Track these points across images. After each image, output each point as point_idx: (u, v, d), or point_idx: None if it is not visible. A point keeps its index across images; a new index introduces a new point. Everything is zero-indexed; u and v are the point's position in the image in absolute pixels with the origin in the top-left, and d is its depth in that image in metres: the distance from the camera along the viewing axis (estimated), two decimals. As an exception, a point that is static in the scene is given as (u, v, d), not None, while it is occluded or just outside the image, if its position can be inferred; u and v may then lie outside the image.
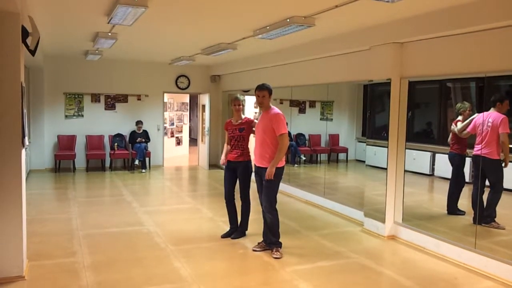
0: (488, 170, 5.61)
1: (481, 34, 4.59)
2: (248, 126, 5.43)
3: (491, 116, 5.62)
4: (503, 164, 5.54)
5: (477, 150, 5.70)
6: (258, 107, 5.26)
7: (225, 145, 5.60)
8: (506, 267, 4.36)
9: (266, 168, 4.88)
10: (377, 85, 6.20)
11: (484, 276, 4.50)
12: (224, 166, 5.68)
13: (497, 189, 5.63)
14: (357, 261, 4.91)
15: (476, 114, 5.93)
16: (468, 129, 5.92)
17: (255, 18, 5.63)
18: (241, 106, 5.46)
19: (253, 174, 5.32)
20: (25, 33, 4.19)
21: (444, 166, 6.57)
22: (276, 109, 5.04)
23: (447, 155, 6.41)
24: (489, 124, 5.60)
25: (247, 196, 5.53)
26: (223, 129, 5.77)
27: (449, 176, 6.37)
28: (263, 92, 5.02)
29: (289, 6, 4.94)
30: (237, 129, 5.43)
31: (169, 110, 14.20)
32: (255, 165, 5.16)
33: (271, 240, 5.06)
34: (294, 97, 10.17)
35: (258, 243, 5.22)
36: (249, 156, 5.48)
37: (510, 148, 5.54)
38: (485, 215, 5.63)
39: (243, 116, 5.51)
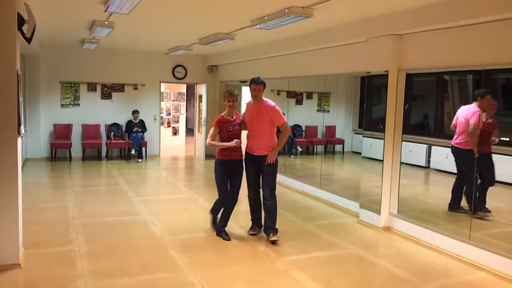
0: (461, 160, 5.79)
1: (479, 27, 4.59)
2: (242, 121, 5.30)
3: (469, 109, 5.78)
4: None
5: (453, 140, 5.92)
6: (252, 99, 5.27)
7: (217, 142, 5.15)
8: (500, 258, 4.40)
9: (265, 155, 5.09)
10: (375, 77, 6.20)
11: (478, 267, 4.55)
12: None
13: (469, 181, 5.80)
14: (352, 252, 4.94)
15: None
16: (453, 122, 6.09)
17: (253, 8, 5.60)
18: (236, 102, 5.16)
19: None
20: (21, 21, 4.16)
21: (440, 158, 6.60)
22: (270, 101, 5.20)
23: (444, 148, 6.39)
24: (464, 116, 5.77)
25: (238, 193, 5.34)
26: (215, 126, 5.11)
27: (445, 168, 6.40)
28: (259, 86, 5.12)
29: (287, -4, 4.92)
30: (237, 125, 5.17)
31: (166, 100, 14.15)
32: (251, 154, 5.20)
33: (269, 226, 5.13)
34: (291, 88, 10.15)
35: (251, 228, 5.35)
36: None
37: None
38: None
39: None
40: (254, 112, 5.18)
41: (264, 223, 5.23)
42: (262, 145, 5.15)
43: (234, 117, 5.19)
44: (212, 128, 5.13)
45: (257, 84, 5.12)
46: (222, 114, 5.19)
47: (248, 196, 5.38)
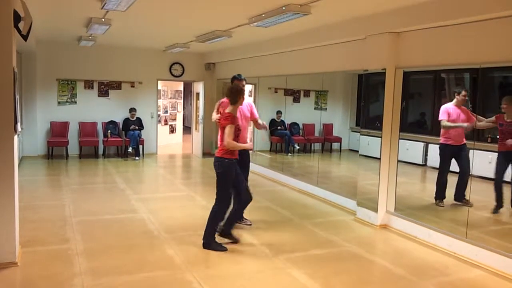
0: None
1: (476, 25, 4.59)
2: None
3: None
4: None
5: None
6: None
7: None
8: (496, 256, 4.42)
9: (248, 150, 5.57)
10: (372, 75, 6.19)
11: (474, 265, 4.56)
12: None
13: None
14: (349, 250, 4.95)
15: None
16: None
17: (251, 5, 5.59)
18: None
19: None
20: (17, 18, 4.14)
21: (436, 156, 6.60)
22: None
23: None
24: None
25: None
26: (232, 123, 4.71)
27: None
28: (243, 82, 5.46)
29: (285, -7, 4.91)
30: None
31: (163, 98, 14.13)
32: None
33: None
34: (289, 86, 10.15)
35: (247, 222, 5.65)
36: None
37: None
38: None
39: None
40: (242, 110, 5.40)
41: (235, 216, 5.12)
42: (247, 140, 5.60)
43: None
44: (230, 126, 4.63)
45: (242, 80, 5.41)
46: (230, 110, 4.76)
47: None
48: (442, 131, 6.21)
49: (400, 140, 5.82)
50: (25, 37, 4.38)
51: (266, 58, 9.09)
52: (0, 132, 4.03)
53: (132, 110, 11.27)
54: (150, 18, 6.85)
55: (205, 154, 11.82)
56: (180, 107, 15.31)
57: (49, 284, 3.85)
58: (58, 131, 10.77)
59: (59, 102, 10.91)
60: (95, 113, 11.19)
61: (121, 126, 11.32)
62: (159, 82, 12.22)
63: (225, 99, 5.08)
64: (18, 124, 4.37)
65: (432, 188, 6.43)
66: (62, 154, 10.75)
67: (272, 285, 4.03)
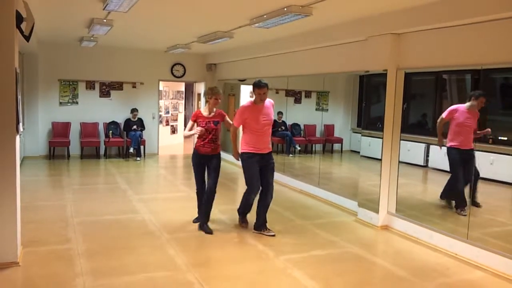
0: None
1: (478, 26, 4.59)
2: (222, 120, 5.46)
3: None
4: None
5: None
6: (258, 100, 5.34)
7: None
8: (497, 257, 4.41)
9: (270, 152, 5.38)
10: (373, 76, 6.19)
11: (475, 266, 4.56)
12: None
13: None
14: (350, 251, 4.95)
15: None
16: None
17: (252, 6, 5.59)
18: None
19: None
20: (19, 18, 4.15)
21: (438, 157, 6.60)
22: (268, 99, 5.43)
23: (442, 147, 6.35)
24: None
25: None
26: (191, 119, 5.54)
27: (443, 167, 6.38)
28: (264, 89, 5.25)
29: (286, -6, 4.92)
30: (212, 122, 5.36)
31: (165, 99, 14.13)
32: (260, 153, 5.27)
33: (265, 220, 5.39)
34: (290, 87, 10.15)
35: (245, 222, 5.63)
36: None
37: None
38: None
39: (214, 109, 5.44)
40: (260, 112, 5.29)
41: (261, 218, 5.39)
42: (268, 142, 5.40)
43: (212, 114, 5.41)
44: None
45: (262, 88, 5.25)
46: (200, 109, 5.55)
47: (256, 193, 5.40)
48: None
49: (402, 141, 5.82)
50: (27, 38, 4.39)
51: (267, 59, 9.09)
52: (2, 132, 4.05)
53: (134, 110, 11.29)
54: (152, 19, 6.86)
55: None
56: (181, 108, 15.31)
57: (50, 284, 3.85)
58: (59, 131, 10.79)
59: (60, 103, 10.93)
60: (96, 114, 11.21)
61: (122, 127, 11.33)
62: (160, 82, 12.24)
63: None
64: (20, 124, 4.38)
65: (433, 189, 6.41)
66: (63, 154, 10.77)
67: (273, 286, 4.03)
